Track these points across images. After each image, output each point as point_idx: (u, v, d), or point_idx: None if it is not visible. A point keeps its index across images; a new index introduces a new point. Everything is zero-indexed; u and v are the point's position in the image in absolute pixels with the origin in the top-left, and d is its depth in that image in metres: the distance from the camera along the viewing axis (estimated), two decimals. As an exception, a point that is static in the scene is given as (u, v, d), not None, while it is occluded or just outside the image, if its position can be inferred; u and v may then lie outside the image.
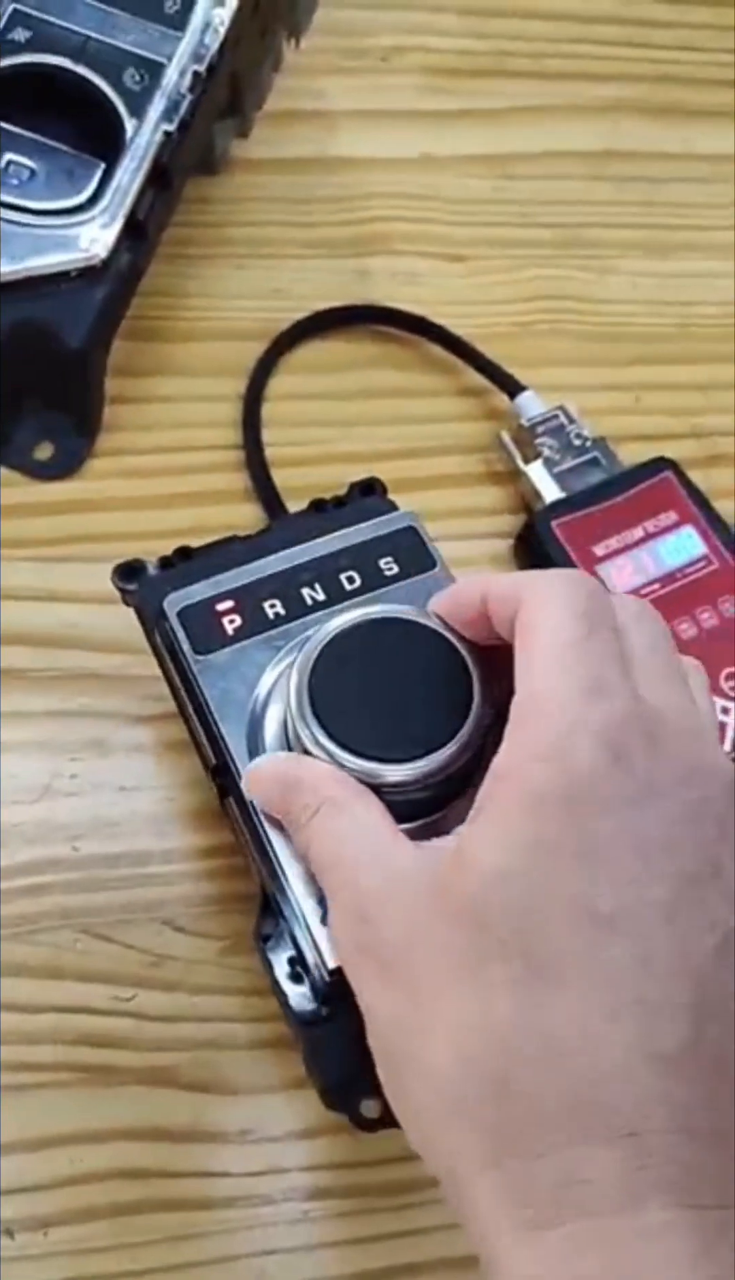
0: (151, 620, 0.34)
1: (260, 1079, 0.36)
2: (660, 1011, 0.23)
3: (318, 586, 0.32)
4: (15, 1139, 0.35)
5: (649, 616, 0.28)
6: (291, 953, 0.31)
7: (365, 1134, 0.31)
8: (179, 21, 0.42)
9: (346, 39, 0.53)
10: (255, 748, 0.31)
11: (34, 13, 0.41)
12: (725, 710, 0.41)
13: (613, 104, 0.54)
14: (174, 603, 0.32)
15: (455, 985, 0.24)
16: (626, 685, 0.25)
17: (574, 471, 0.44)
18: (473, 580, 0.29)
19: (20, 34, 0.41)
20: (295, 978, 0.30)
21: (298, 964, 0.30)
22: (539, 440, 0.45)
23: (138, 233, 0.41)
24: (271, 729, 0.30)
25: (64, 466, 0.44)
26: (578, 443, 0.45)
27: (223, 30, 0.42)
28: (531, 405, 0.45)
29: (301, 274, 0.48)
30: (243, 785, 0.30)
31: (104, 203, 0.40)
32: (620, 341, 0.50)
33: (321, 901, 0.29)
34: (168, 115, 0.41)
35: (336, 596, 0.32)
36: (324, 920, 0.28)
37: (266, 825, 0.30)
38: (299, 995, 0.30)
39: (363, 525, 0.34)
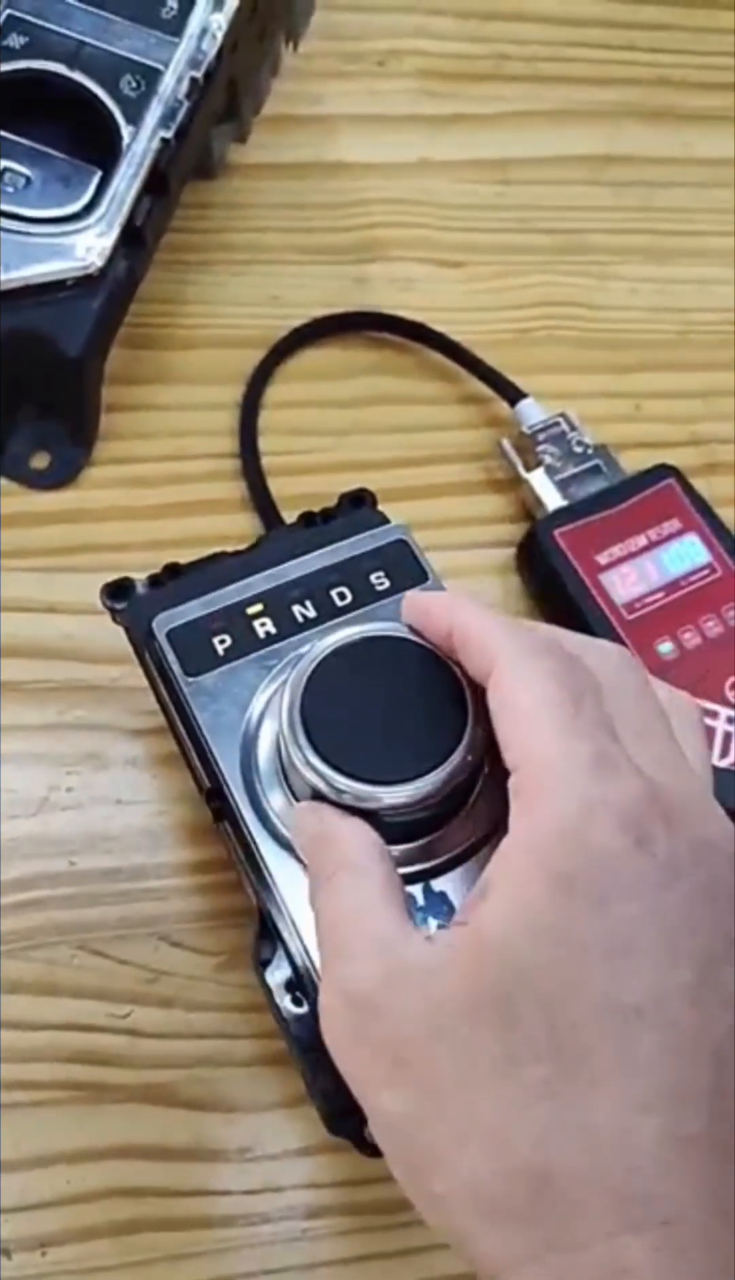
0: (141, 640, 0.34)
1: (258, 1096, 0.36)
2: (686, 1096, 0.23)
3: (308, 603, 0.32)
4: (11, 1158, 0.35)
5: (628, 667, 0.27)
6: (290, 976, 0.30)
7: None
8: (176, 27, 0.41)
9: (343, 43, 0.53)
10: (249, 770, 0.30)
11: (30, 18, 0.41)
12: (732, 720, 0.40)
13: (611, 108, 0.54)
14: (163, 623, 0.32)
15: (487, 1087, 0.23)
16: (623, 753, 0.25)
17: (575, 479, 0.44)
18: (441, 605, 0.28)
19: (16, 40, 0.41)
20: (295, 1001, 0.30)
21: (296, 988, 0.30)
22: (540, 448, 0.44)
23: (135, 240, 0.41)
24: (265, 751, 0.30)
25: (61, 476, 0.43)
26: (579, 450, 0.44)
27: (220, 36, 0.41)
28: (532, 412, 0.45)
29: (299, 280, 0.48)
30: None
31: (101, 210, 0.40)
32: (620, 348, 0.49)
33: None
34: (165, 122, 0.41)
35: (328, 613, 0.32)
36: None
37: (263, 850, 0.29)
38: (299, 1019, 0.30)
39: (353, 539, 0.33)
